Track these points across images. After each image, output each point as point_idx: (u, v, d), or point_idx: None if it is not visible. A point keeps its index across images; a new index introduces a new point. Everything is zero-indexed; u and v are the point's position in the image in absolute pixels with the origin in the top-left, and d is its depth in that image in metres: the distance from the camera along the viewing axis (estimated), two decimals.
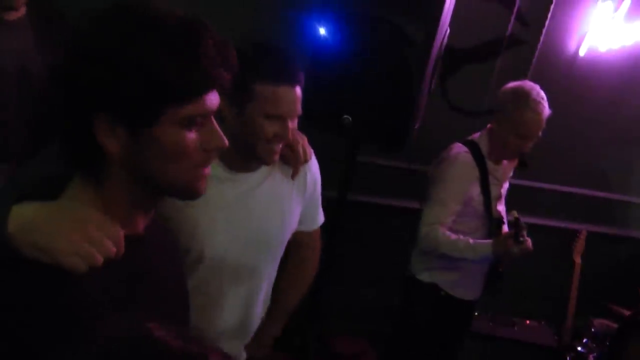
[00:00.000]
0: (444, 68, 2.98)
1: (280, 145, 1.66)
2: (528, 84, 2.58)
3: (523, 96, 2.52)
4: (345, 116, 2.19)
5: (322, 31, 2.17)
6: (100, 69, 0.91)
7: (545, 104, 2.53)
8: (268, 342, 2.05)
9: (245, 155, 1.68)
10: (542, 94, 2.54)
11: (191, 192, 1.05)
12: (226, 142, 1.04)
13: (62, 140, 1.00)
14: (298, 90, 1.62)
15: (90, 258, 0.90)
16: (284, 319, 2.07)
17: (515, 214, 2.45)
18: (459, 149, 2.63)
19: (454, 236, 2.51)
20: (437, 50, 2.34)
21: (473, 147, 2.63)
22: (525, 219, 3.48)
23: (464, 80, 3.22)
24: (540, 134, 2.56)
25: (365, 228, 3.25)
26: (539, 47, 3.27)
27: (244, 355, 1.95)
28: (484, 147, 2.64)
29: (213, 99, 1.00)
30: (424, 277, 2.74)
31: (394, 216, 3.30)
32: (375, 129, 2.29)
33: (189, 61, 0.94)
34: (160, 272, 1.13)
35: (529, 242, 2.44)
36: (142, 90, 0.92)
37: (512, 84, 2.61)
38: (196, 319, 1.68)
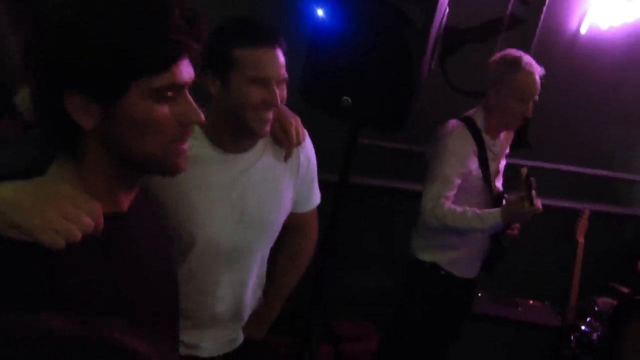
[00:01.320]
0: (443, 48, 2.97)
1: (271, 115, 1.65)
2: (513, 50, 2.63)
3: (513, 61, 2.57)
4: (345, 97, 2.18)
5: (321, 13, 2.16)
6: (67, 44, 0.91)
7: (536, 65, 2.58)
8: (266, 324, 2.06)
9: (237, 132, 1.68)
10: (530, 58, 2.59)
11: (170, 168, 1.05)
12: (202, 116, 1.04)
13: (41, 120, 1.00)
14: (279, 52, 1.62)
15: (67, 233, 0.90)
16: (282, 301, 2.07)
17: (525, 170, 2.46)
18: (454, 123, 2.65)
19: (459, 208, 2.53)
20: (437, 31, 2.33)
21: (468, 122, 2.65)
22: None
23: (464, 61, 3.20)
24: (537, 95, 2.59)
25: (367, 211, 3.26)
26: (539, 26, 3.24)
27: (241, 337, 1.96)
28: (480, 122, 2.65)
29: (184, 71, 0.99)
30: (425, 256, 2.76)
31: (395, 198, 3.29)
32: (376, 111, 2.28)
33: (155, 31, 0.93)
34: (144, 250, 1.13)
35: (539, 202, 2.46)
36: (109, 63, 0.92)
37: (498, 55, 2.66)
38: (190, 304, 1.69)
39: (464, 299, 2.95)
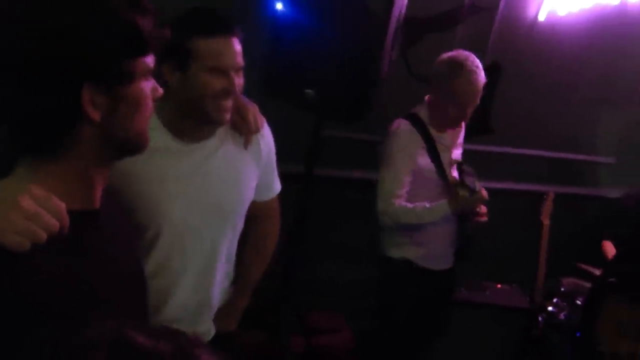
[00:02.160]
0: (404, 38, 2.98)
1: (230, 103, 1.67)
2: (462, 53, 2.60)
3: (457, 67, 2.55)
4: (308, 90, 2.20)
5: (280, 6, 2.16)
6: (76, 41, 0.92)
7: (481, 72, 2.56)
8: (236, 315, 2.07)
9: (196, 121, 1.70)
10: (477, 62, 2.57)
11: (145, 143, 1.09)
12: (161, 90, 1.09)
13: (17, 124, 0.98)
14: (236, 42, 1.64)
15: (31, 235, 0.89)
16: (250, 291, 2.08)
17: (457, 161, 2.51)
18: (398, 122, 2.66)
19: (410, 205, 2.55)
20: (397, 21, 2.35)
21: (413, 118, 2.66)
22: (492, 184, 3.54)
23: (426, 50, 3.21)
24: (478, 101, 2.59)
25: (333, 202, 3.27)
26: (498, 13, 3.28)
27: (212, 330, 1.96)
28: (424, 117, 2.67)
29: None
30: (395, 253, 2.77)
31: (360, 188, 3.30)
32: (339, 102, 2.30)
33: (146, 11, 0.98)
34: (116, 247, 1.13)
35: (483, 191, 2.51)
36: (120, 50, 0.96)
37: (446, 55, 2.63)
38: (157, 298, 1.69)
39: (442, 290, 2.97)
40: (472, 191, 2.47)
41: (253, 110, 1.81)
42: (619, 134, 3.99)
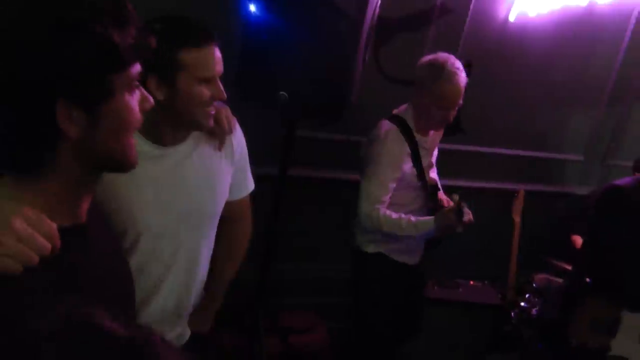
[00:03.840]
0: (376, 38, 3.00)
1: (213, 108, 1.70)
2: (442, 56, 2.62)
3: (438, 69, 2.56)
4: (281, 92, 2.20)
5: (253, 8, 2.16)
6: (48, 57, 0.88)
7: (462, 73, 2.58)
8: (210, 315, 2.08)
9: (176, 126, 1.71)
10: (457, 63, 2.59)
11: (132, 159, 1.04)
12: (152, 100, 1.05)
13: None
14: (217, 49, 1.66)
15: (24, 258, 0.87)
16: (223, 291, 2.09)
17: (456, 197, 2.49)
18: (387, 126, 2.66)
19: (395, 215, 2.56)
20: (370, 22, 2.36)
21: (400, 123, 2.67)
22: (464, 183, 3.60)
23: (397, 50, 3.23)
24: (461, 102, 2.62)
25: (307, 202, 3.28)
26: (469, 14, 3.31)
27: (188, 332, 1.96)
28: (410, 121, 2.68)
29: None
30: (370, 248, 2.79)
31: (334, 188, 3.33)
32: (312, 104, 2.30)
33: (126, 24, 0.94)
34: (105, 262, 1.12)
35: (470, 215, 2.51)
36: (96, 66, 0.91)
37: (427, 58, 2.65)
38: (137, 302, 1.69)
39: (415, 283, 3.01)
40: (462, 222, 2.47)
41: (225, 112, 1.82)
42: (586, 132, 4.06)
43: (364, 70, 2.50)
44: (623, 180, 2.64)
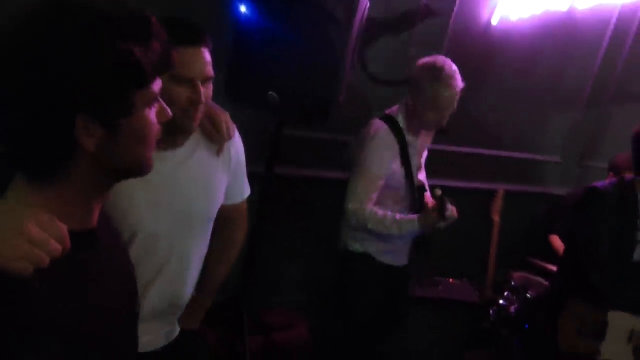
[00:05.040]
0: (363, 40, 3.03)
1: (199, 111, 1.67)
2: (440, 60, 2.63)
3: (436, 73, 2.57)
4: (270, 93, 2.22)
5: (244, 9, 2.18)
6: (71, 74, 0.90)
7: (458, 77, 2.59)
8: (200, 314, 2.10)
9: (168, 129, 1.69)
10: (454, 67, 2.61)
11: (148, 169, 1.07)
12: (170, 112, 1.07)
13: (14, 147, 0.97)
14: (205, 51, 1.64)
15: (35, 260, 0.88)
16: (214, 291, 2.12)
17: (438, 192, 2.52)
18: (378, 125, 2.67)
19: (381, 213, 2.58)
20: (359, 24, 2.38)
21: (391, 123, 2.69)
22: (444, 183, 3.64)
23: (381, 52, 3.26)
24: (455, 105, 2.63)
25: (294, 201, 3.30)
26: (453, 17, 3.35)
27: (177, 329, 1.99)
28: (402, 122, 2.70)
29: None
30: (357, 248, 2.81)
31: (321, 188, 3.35)
32: (301, 104, 2.33)
33: (149, 40, 0.96)
34: (111, 261, 1.14)
35: (454, 210, 2.54)
36: (118, 83, 0.93)
37: (424, 60, 2.66)
38: None
39: (400, 285, 3.02)
40: (446, 218, 2.49)
41: (225, 118, 1.83)
42: (564, 134, 4.14)
43: (352, 71, 2.53)
44: (602, 183, 2.69)
